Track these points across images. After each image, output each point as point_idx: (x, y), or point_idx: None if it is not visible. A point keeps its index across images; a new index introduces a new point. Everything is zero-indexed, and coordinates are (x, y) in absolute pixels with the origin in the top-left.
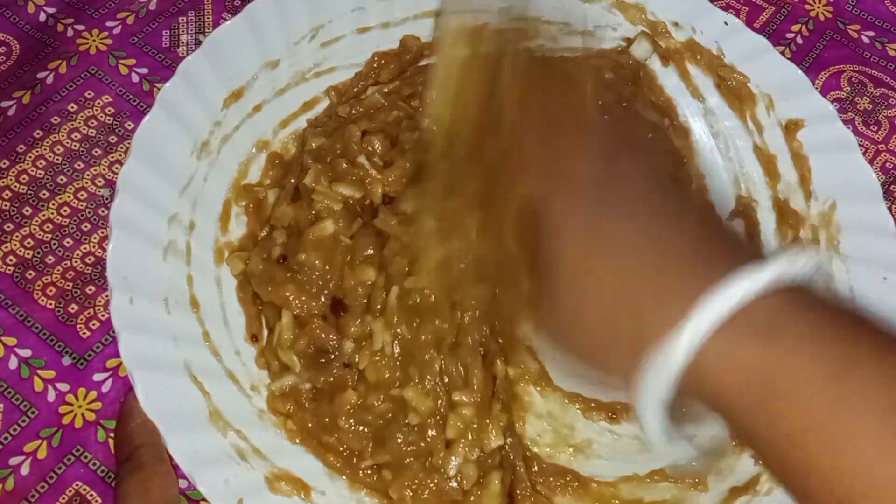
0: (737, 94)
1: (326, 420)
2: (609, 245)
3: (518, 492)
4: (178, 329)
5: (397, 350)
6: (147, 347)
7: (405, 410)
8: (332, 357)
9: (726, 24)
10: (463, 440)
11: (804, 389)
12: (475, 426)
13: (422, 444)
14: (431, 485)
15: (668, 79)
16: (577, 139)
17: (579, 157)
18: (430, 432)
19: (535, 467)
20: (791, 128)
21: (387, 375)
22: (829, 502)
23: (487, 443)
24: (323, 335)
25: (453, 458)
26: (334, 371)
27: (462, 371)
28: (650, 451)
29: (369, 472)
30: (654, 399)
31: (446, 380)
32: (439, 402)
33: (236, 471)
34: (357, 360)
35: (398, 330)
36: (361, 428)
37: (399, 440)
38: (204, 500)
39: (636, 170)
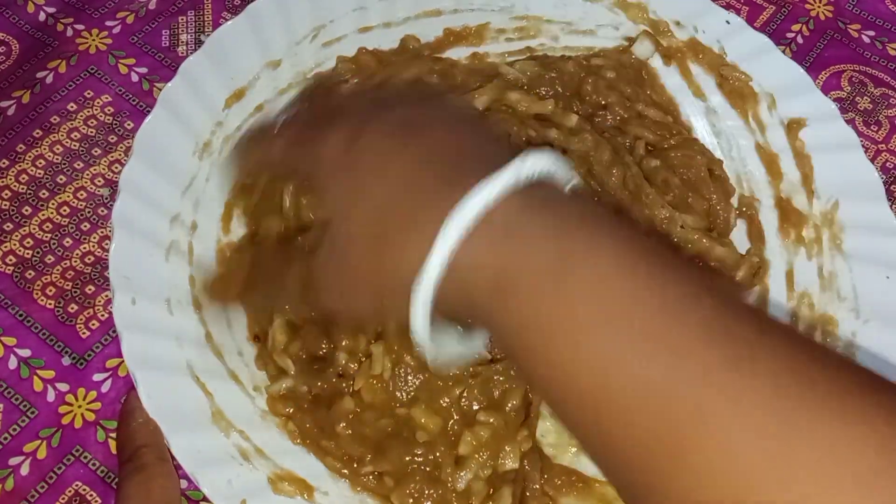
0: (739, 93)
1: (324, 425)
2: (364, 195)
3: (527, 493)
4: (181, 329)
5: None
6: (149, 348)
7: (410, 426)
8: (327, 364)
9: (728, 22)
10: (476, 455)
11: (526, 285)
12: (491, 446)
13: (429, 458)
14: (434, 494)
15: (669, 78)
16: (327, 125)
17: (326, 139)
18: (440, 448)
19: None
20: (793, 127)
21: (384, 397)
22: (551, 392)
23: (502, 464)
24: (315, 342)
25: (463, 472)
26: (332, 378)
27: (496, 394)
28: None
29: (371, 477)
30: (422, 312)
31: (464, 402)
32: (451, 421)
33: (239, 471)
34: (352, 373)
35: (405, 358)
36: (361, 438)
37: (401, 451)
38: (204, 500)
39: (385, 124)
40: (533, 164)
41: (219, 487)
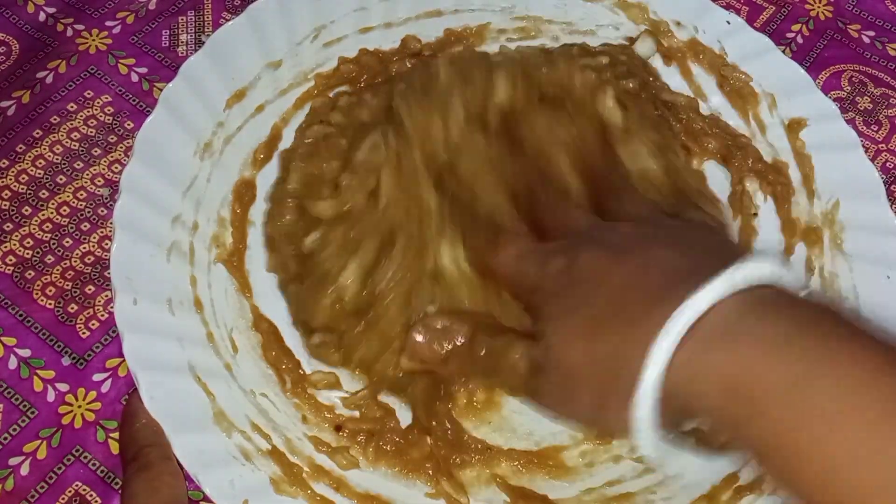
0: (739, 93)
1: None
2: (580, 308)
3: None
4: (182, 330)
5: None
6: (151, 349)
7: None
8: None
9: (728, 23)
10: None
11: (765, 399)
12: None
13: None
14: None
15: (670, 78)
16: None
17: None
18: None
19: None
20: (794, 127)
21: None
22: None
23: None
24: None
25: None
26: None
27: None
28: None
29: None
30: (646, 423)
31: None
32: None
33: (241, 472)
34: None
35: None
36: None
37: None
38: (204, 500)
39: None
40: (749, 273)
41: (221, 488)
